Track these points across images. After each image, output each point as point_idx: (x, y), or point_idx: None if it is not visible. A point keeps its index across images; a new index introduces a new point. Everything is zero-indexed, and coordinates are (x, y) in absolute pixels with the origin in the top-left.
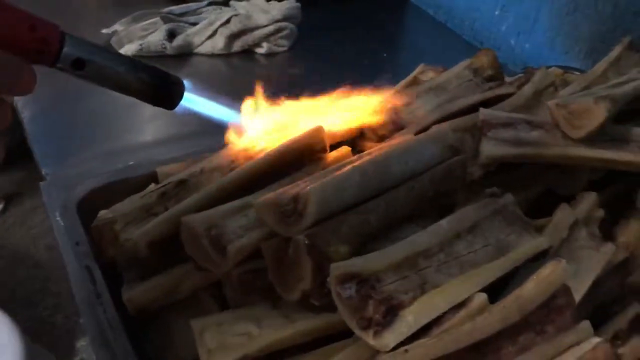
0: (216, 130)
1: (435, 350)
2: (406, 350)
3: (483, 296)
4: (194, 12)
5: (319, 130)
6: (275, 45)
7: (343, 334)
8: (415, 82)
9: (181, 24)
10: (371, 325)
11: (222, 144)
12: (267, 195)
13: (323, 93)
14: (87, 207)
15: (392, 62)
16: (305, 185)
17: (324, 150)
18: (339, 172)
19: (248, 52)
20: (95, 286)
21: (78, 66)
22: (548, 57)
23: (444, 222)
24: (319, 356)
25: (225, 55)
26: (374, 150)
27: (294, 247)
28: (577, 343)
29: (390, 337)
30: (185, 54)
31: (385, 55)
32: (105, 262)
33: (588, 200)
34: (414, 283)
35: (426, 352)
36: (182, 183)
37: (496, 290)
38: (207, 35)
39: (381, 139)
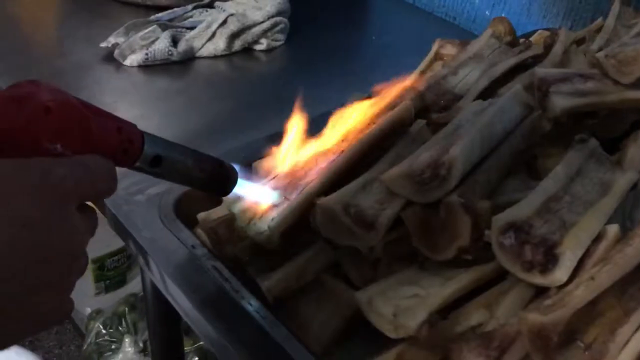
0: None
1: (614, 273)
2: (592, 278)
3: (615, 227)
4: (182, 17)
5: (408, 106)
6: (273, 40)
7: (493, 281)
8: (437, 57)
9: (178, 29)
10: (534, 266)
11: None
12: (393, 169)
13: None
14: (182, 214)
15: (383, 45)
16: (436, 153)
17: (410, 124)
18: (463, 136)
19: (247, 51)
20: (231, 283)
21: (156, 163)
22: (526, 22)
23: (558, 169)
24: (480, 304)
25: (227, 56)
26: (463, 115)
27: (446, 209)
28: None
29: (561, 272)
30: (188, 59)
31: (374, 38)
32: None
33: None
34: (556, 224)
35: (608, 276)
36: None
37: None
38: (207, 37)
39: (444, 109)
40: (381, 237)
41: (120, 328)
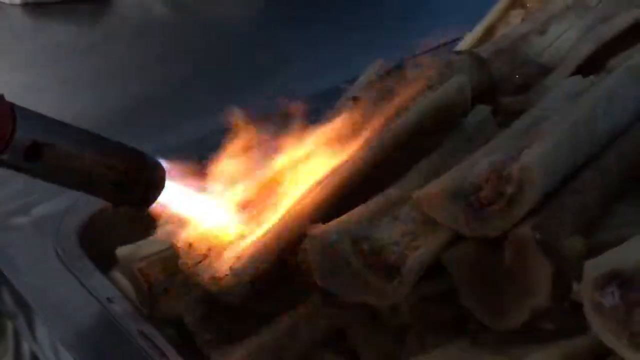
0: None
1: None
2: None
3: None
4: None
5: (462, 83)
6: None
7: None
8: (516, 3)
9: None
10: None
11: None
12: (433, 184)
13: None
14: (92, 247)
15: None
16: (501, 160)
17: (464, 114)
18: (546, 134)
19: None
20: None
21: (33, 155)
22: None
23: None
24: None
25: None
26: (549, 100)
27: (515, 248)
28: None
29: None
30: None
31: None
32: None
33: None
34: None
35: None
36: None
37: None
38: None
39: (521, 89)
40: (410, 290)
41: None
